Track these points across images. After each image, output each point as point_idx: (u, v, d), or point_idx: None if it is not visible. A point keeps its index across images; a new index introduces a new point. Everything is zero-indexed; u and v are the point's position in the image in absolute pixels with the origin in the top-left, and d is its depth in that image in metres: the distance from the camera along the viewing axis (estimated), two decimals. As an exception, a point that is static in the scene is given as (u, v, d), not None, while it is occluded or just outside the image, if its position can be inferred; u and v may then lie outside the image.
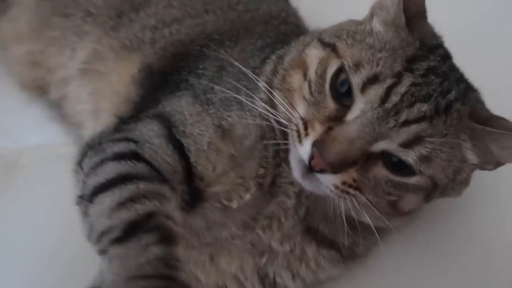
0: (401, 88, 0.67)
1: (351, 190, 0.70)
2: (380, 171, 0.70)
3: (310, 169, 0.69)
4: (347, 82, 0.70)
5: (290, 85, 0.77)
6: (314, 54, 0.76)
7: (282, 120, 0.74)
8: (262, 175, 0.77)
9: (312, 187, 0.73)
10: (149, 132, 0.77)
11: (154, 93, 0.88)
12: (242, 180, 0.76)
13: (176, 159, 0.75)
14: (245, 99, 0.77)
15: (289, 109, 0.73)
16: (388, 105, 0.67)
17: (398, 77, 0.68)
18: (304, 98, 0.73)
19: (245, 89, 0.79)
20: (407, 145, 0.68)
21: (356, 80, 0.69)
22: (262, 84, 0.79)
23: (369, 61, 0.69)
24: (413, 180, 0.71)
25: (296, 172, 0.73)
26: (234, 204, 0.77)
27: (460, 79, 0.75)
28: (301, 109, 0.73)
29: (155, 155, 0.74)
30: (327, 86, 0.71)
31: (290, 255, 0.83)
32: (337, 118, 0.70)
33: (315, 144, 0.68)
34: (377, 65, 0.69)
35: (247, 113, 0.78)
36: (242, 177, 0.76)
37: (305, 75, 0.75)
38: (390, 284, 0.91)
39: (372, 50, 0.70)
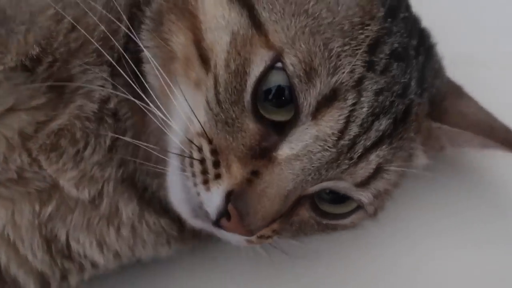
0: (363, 109, 0.47)
1: (268, 240, 0.54)
2: (307, 214, 0.53)
3: (216, 224, 0.50)
4: (280, 89, 0.46)
5: (167, 43, 0.52)
6: (215, 13, 0.49)
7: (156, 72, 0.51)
8: (36, 56, 0.51)
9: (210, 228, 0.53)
10: None
11: None
12: None
13: None
14: None
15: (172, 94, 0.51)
16: (345, 142, 0.47)
17: (359, 85, 0.47)
18: (206, 102, 0.49)
19: None
20: (365, 183, 0.51)
21: (308, 99, 0.46)
22: None
23: (322, 59, 0.45)
24: (347, 220, 0.56)
25: (184, 206, 0.52)
26: None
27: (419, 44, 0.55)
28: (201, 113, 0.49)
29: None
30: (247, 96, 0.48)
31: (93, 211, 0.55)
32: (263, 152, 0.47)
33: (231, 199, 0.47)
34: (335, 68, 0.45)
35: None
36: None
37: (196, 44, 0.50)
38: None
39: (321, 31, 0.46)
